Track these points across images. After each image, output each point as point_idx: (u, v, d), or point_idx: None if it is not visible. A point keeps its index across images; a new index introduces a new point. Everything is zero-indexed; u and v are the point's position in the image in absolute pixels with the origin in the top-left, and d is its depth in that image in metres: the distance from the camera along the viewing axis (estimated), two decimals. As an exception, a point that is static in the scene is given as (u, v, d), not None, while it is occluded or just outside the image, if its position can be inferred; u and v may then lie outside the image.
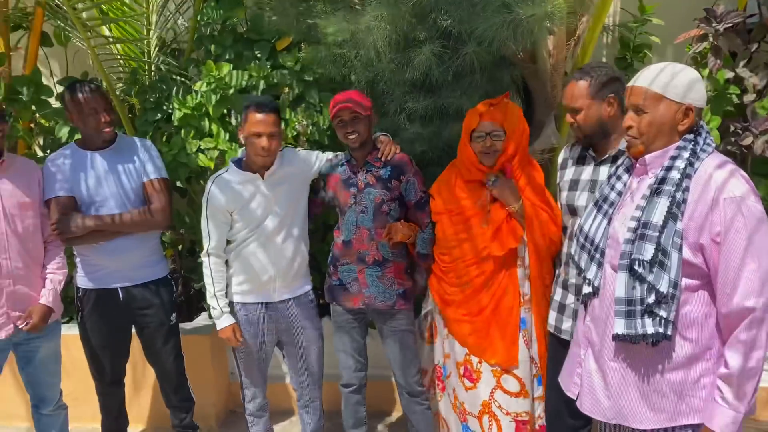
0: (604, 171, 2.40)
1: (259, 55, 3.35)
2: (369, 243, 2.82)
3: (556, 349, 2.59)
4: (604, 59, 4.04)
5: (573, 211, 2.50)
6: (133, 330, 3.04)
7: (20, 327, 2.71)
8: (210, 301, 2.79)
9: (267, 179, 2.75)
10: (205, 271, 2.78)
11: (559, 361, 2.57)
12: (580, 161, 2.53)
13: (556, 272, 2.66)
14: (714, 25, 3.16)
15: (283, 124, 3.17)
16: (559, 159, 2.66)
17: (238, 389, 3.07)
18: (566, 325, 2.53)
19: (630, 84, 1.93)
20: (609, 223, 1.99)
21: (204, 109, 3.23)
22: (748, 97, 3.30)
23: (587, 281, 2.03)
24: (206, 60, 3.34)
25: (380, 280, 2.85)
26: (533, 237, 2.61)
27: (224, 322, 2.78)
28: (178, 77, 3.47)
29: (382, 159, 2.82)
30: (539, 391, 2.74)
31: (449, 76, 3.06)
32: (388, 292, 2.86)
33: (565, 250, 2.57)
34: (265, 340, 2.88)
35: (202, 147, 3.23)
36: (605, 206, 2.02)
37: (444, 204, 2.79)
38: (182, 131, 3.30)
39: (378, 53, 2.98)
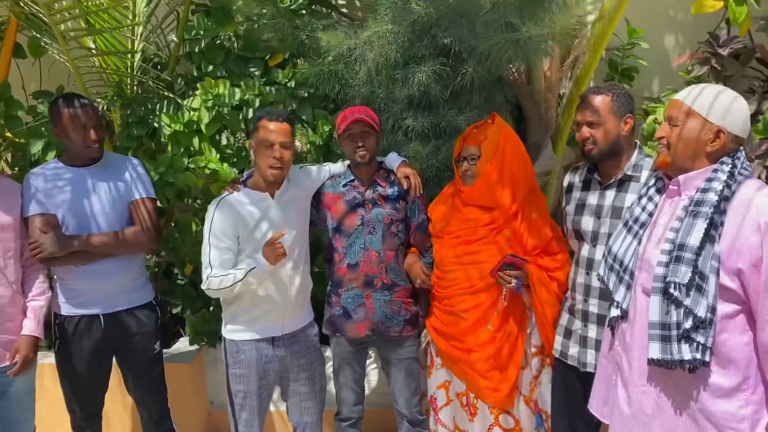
0: (610, 195, 2.37)
1: (254, 72, 3.23)
2: (378, 266, 2.71)
3: (563, 374, 2.54)
4: (592, 82, 4.07)
5: (579, 235, 2.46)
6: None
7: (9, 372, 2.49)
8: (232, 282, 2.47)
9: (278, 199, 2.60)
10: (212, 287, 2.49)
11: (565, 387, 2.53)
12: (586, 186, 2.50)
13: (565, 296, 2.60)
14: (717, 49, 3.19)
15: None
16: (565, 183, 2.62)
17: (218, 419, 2.88)
18: (573, 350, 2.47)
19: (674, 98, 1.91)
20: (639, 244, 1.93)
21: (195, 126, 3.08)
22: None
23: (615, 304, 1.96)
24: (195, 75, 3.21)
25: (388, 305, 2.74)
26: (539, 297, 2.57)
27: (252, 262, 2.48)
28: (165, 92, 3.32)
29: (413, 193, 2.76)
30: (542, 429, 2.67)
31: (447, 94, 3.01)
32: (396, 318, 2.76)
33: (572, 275, 2.52)
34: (269, 381, 2.66)
35: (191, 166, 3.08)
36: (635, 227, 1.96)
37: (446, 226, 2.72)
38: (170, 148, 3.14)
39: (378, 68, 2.91)
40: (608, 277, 2.00)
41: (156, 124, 3.17)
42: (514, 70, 3.27)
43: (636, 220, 1.98)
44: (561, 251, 2.62)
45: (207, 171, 3.03)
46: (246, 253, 2.54)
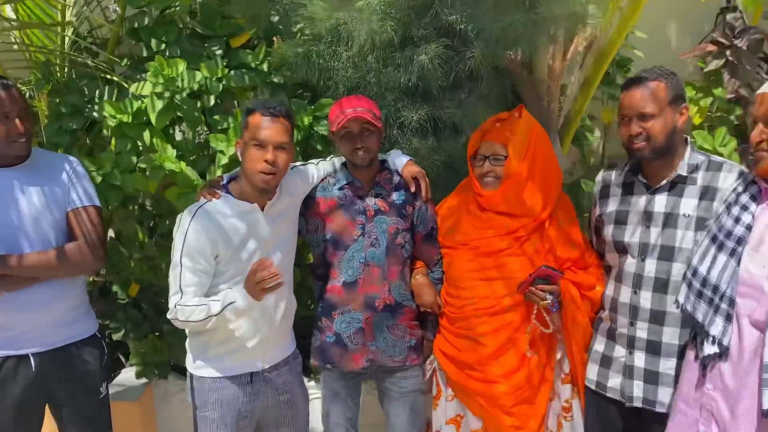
0: (661, 201, 2.02)
1: (217, 53, 2.69)
2: (380, 284, 2.29)
3: (599, 408, 2.21)
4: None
5: (622, 248, 2.11)
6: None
7: None
8: (206, 316, 2.02)
9: (268, 211, 2.12)
10: (180, 317, 2.03)
11: (603, 423, 2.20)
12: (627, 189, 2.14)
13: (597, 316, 2.25)
14: (734, 41, 2.92)
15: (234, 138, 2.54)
16: (597, 186, 2.27)
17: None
18: (614, 381, 2.13)
19: (763, 91, 1.56)
20: (738, 264, 1.58)
21: (145, 117, 2.53)
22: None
23: (710, 339, 1.60)
24: (144, 56, 2.65)
25: (391, 331, 2.32)
26: (573, 319, 2.21)
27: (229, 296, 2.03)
28: (106, 75, 2.74)
29: (424, 196, 2.34)
30: None
31: (449, 81, 2.59)
32: (399, 345, 2.34)
33: (610, 293, 2.17)
34: (247, 423, 2.19)
35: (141, 165, 2.52)
36: (730, 243, 1.61)
37: (460, 235, 2.31)
38: (113, 144, 2.57)
39: (373, 45, 2.45)
40: (696, 306, 1.64)
41: (96, 115, 2.58)
42: (512, 56, 2.88)
43: (729, 235, 1.62)
44: (594, 265, 2.26)
45: (162, 172, 2.48)
46: (226, 276, 2.07)
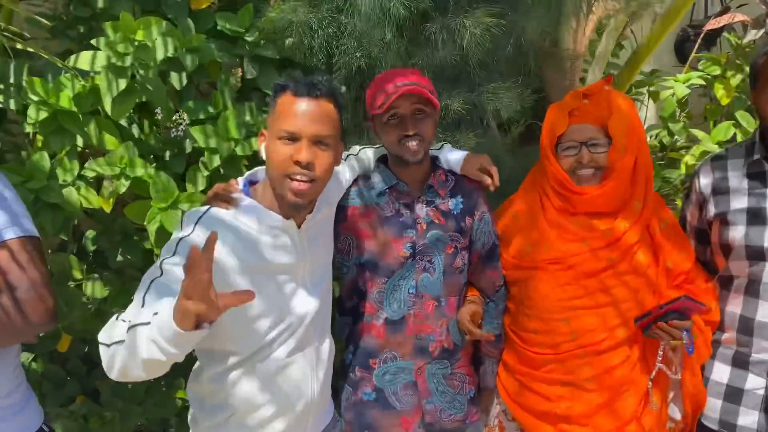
0: None
1: (171, 17, 1.92)
2: (437, 322, 1.75)
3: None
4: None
5: (758, 254, 1.72)
6: None
7: None
8: (150, 345, 1.16)
9: (306, 229, 1.52)
10: (105, 340, 1.24)
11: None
12: (759, 181, 1.76)
13: (713, 339, 1.85)
14: None
15: (235, 131, 1.86)
16: (706, 179, 1.86)
17: None
18: (748, 419, 1.76)
19: None
20: None
21: (91, 104, 1.74)
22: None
23: None
24: (76, 15, 1.84)
25: (449, 382, 1.80)
26: (698, 353, 1.78)
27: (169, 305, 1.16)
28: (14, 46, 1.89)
29: (492, 183, 1.79)
30: None
31: (494, 60, 2.07)
32: (459, 399, 1.83)
33: (736, 310, 1.78)
34: None
35: (87, 174, 1.75)
36: None
37: (548, 251, 1.80)
38: (40, 144, 1.76)
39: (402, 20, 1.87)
40: None
41: (12, 101, 1.75)
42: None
43: None
44: (706, 278, 1.86)
45: (124, 182, 1.73)
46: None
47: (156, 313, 1.16)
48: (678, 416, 1.86)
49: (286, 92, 1.44)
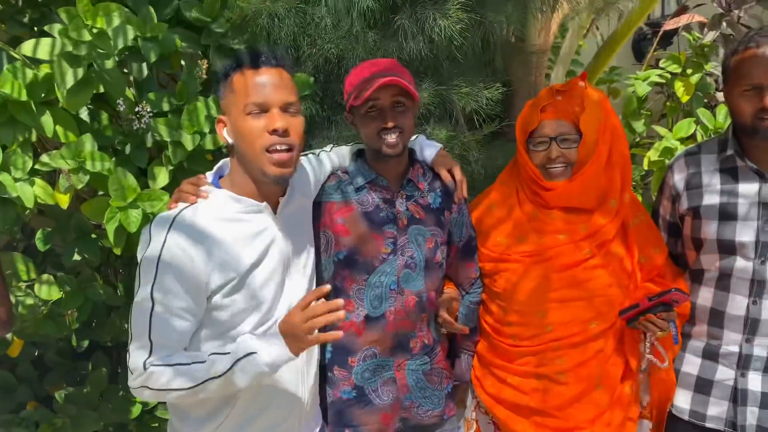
0: None
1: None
2: (417, 317, 1.72)
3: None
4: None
5: (729, 249, 1.75)
6: None
7: None
8: (204, 380, 1.34)
9: (282, 212, 1.48)
10: (154, 386, 1.35)
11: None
12: (729, 177, 1.78)
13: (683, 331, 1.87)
14: (735, 11, 2.70)
15: (204, 123, 1.79)
16: (679, 174, 1.87)
17: None
18: (717, 410, 1.79)
19: None
20: None
21: (44, 93, 1.64)
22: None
23: None
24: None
25: (428, 377, 1.77)
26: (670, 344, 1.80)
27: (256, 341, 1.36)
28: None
29: (459, 195, 1.78)
30: None
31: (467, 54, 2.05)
32: (437, 395, 1.80)
33: (707, 304, 1.81)
34: None
35: (41, 169, 1.65)
36: None
37: (526, 244, 1.79)
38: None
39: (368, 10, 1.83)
40: None
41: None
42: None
43: None
44: (677, 273, 1.88)
45: (82, 177, 1.64)
46: (224, 320, 1.40)
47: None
48: (645, 401, 1.89)
49: (242, 69, 1.40)
